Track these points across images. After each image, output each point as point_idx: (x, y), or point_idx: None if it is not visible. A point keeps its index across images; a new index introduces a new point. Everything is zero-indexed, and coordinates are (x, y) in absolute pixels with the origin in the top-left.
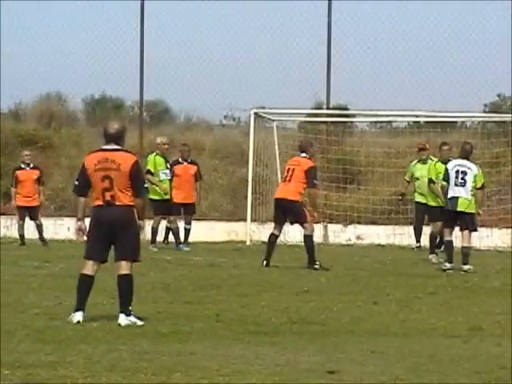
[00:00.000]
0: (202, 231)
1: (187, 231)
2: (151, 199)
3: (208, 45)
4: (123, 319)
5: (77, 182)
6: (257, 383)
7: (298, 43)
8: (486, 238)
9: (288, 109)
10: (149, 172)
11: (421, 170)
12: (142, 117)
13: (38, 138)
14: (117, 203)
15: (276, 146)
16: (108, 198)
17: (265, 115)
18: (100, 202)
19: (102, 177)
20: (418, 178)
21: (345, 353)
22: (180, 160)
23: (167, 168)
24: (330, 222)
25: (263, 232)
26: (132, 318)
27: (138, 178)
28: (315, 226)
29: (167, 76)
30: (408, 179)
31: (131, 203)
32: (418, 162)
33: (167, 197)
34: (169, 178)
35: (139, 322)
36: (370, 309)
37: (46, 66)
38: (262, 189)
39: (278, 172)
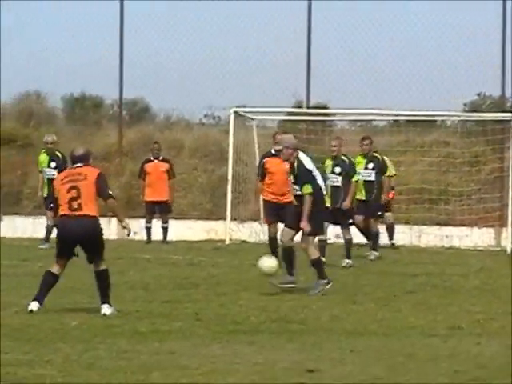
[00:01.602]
0: (182, 230)
1: (165, 230)
2: (44, 197)
3: (188, 43)
4: (107, 309)
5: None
6: (236, 382)
7: (278, 42)
8: (466, 238)
9: (268, 107)
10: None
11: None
12: (122, 115)
13: (17, 136)
14: (82, 212)
15: (256, 145)
16: (75, 206)
17: (245, 114)
18: (66, 211)
19: (68, 188)
20: None
21: (324, 351)
22: (151, 158)
23: (49, 166)
24: None
25: (243, 231)
26: (113, 309)
27: (102, 186)
28: None
29: (147, 74)
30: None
31: (96, 214)
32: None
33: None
34: (53, 177)
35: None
36: (348, 308)
37: (24, 64)
38: (241, 187)
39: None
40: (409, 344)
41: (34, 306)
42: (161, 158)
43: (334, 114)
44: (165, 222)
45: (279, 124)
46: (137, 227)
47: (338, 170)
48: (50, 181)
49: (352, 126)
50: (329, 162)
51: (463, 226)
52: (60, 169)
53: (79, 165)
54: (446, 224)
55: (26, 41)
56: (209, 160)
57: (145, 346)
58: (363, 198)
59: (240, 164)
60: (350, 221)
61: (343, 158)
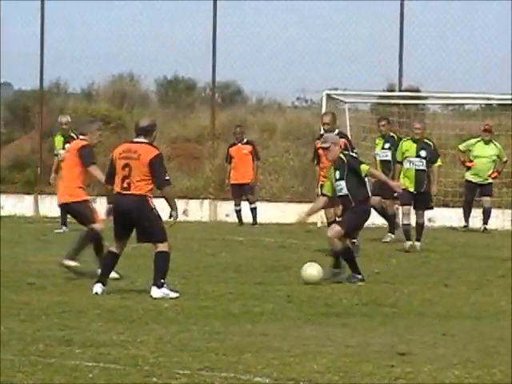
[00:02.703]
0: (273, 213)
1: (252, 211)
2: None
3: (281, 26)
4: (154, 291)
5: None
6: (327, 364)
7: (371, 26)
8: None
9: (360, 91)
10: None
11: (480, 150)
12: (214, 98)
13: (111, 118)
14: (131, 192)
15: (348, 128)
16: (125, 185)
17: (337, 97)
18: (118, 189)
19: (122, 165)
20: (475, 157)
21: (415, 335)
22: (235, 142)
23: (64, 148)
24: None
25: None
26: (164, 290)
27: (157, 171)
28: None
29: (239, 57)
30: (462, 149)
31: (145, 193)
32: (481, 141)
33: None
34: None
35: (172, 294)
36: (440, 291)
37: (118, 46)
38: None
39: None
40: (501, 328)
41: (98, 288)
42: (244, 140)
43: (425, 98)
44: (251, 203)
45: (371, 107)
46: (229, 209)
47: (423, 153)
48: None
49: (444, 109)
50: (412, 145)
51: None
52: None
53: (140, 140)
54: None
55: (119, 22)
56: (301, 143)
57: (237, 327)
58: None
59: None
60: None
61: (427, 141)
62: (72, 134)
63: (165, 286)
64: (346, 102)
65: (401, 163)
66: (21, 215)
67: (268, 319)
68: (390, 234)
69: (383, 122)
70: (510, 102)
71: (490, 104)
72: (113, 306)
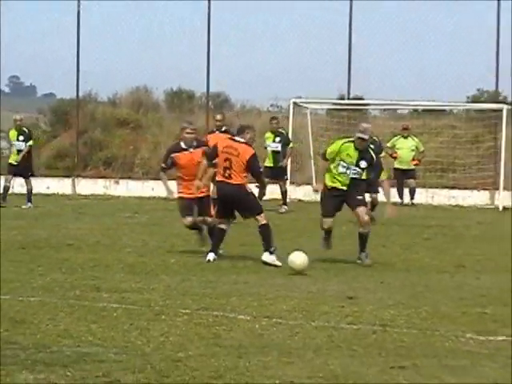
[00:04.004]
0: (254, 190)
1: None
2: (9, 163)
3: (257, 49)
4: (266, 256)
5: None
6: (294, 305)
7: (327, 48)
8: (468, 198)
9: (318, 99)
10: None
11: (401, 143)
12: (208, 105)
13: (130, 120)
14: (233, 181)
15: (309, 127)
16: (227, 175)
17: (301, 104)
18: (221, 178)
19: (224, 158)
20: (398, 149)
21: (360, 283)
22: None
23: (18, 140)
24: None
25: (298, 192)
26: (274, 257)
27: (254, 166)
28: None
29: (228, 74)
30: (389, 146)
31: (244, 182)
32: (401, 137)
33: (14, 162)
34: (21, 148)
35: (277, 263)
36: (379, 250)
37: (136, 66)
38: (298, 159)
39: (311, 146)
40: (425, 278)
41: (211, 256)
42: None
43: (368, 104)
44: None
45: (327, 112)
46: None
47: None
48: (18, 151)
49: (382, 113)
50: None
51: (466, 189)
52: (27, 141)
53: (238, 139)
54: (453, 187)
55: (137, 49)
56: None
57: (226, 277)
58: (271, 165)
59: (297, 142)
60: None
61: (374, 138)
62: (24, 129)
63: (275, 252)
64: (307, 108)
65: None
66: (62, 193)
67: (249, 271)
68: (284, 206)
69: (275, 121)
70: (431, 107)
71: (417, 109)
72: (132, 262)
